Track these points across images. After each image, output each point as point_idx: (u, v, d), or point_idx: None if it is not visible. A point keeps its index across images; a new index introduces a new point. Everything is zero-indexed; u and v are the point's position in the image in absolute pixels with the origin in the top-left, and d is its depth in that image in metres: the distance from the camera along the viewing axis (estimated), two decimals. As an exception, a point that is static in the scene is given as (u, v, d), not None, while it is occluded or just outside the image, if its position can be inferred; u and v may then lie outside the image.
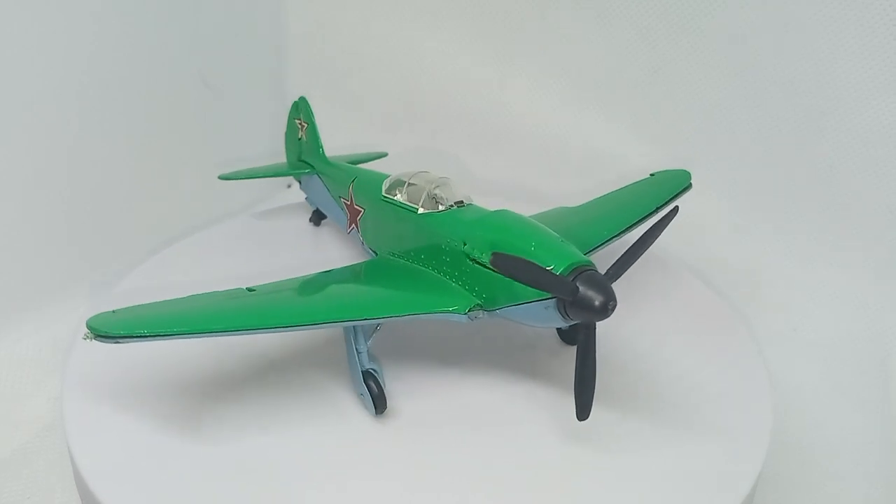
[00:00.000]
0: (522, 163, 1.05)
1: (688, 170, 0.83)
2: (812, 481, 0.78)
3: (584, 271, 0.58)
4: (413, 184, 0.72)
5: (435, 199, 0.69)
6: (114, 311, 0.61)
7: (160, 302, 0.63)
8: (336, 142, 1.03)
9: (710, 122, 0.99)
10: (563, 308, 0.58)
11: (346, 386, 0.68)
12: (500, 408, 0.67)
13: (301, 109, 0.93)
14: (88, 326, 0.58)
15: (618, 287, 0.57)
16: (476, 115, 1.09)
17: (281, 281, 0.68)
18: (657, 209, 0.77)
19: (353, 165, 0.88)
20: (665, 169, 0.85)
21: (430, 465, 0.61)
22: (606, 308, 0.56)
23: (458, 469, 0.61)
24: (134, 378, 0.68)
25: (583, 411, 0.59)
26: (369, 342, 0.66)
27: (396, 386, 0.68)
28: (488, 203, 0.96)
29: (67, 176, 0.88)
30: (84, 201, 0.90)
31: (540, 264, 0.58)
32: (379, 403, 0.65)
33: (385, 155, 1.00)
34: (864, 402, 0.85)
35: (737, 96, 0.96)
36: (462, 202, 0.69)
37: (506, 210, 0.67)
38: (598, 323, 0.58)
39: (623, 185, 0.83)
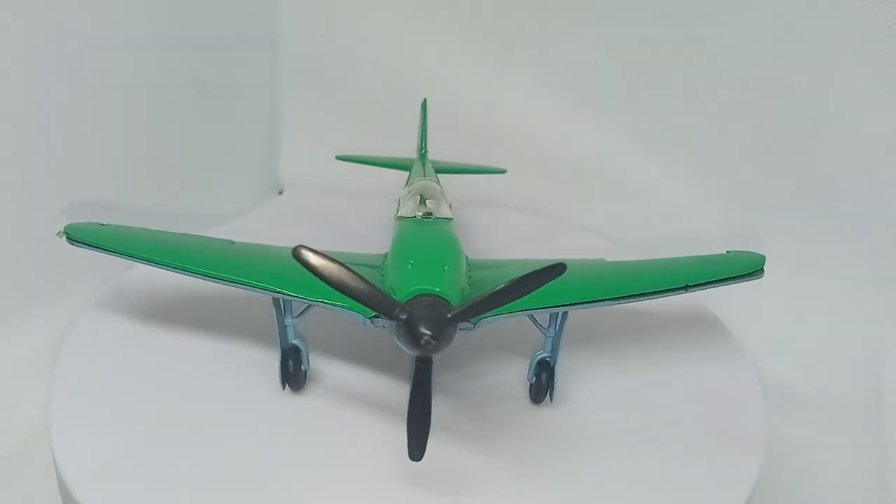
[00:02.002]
0: (519, 167, 1.04)
1: (763, 254, 0.72)
2: (806, 490, 0.78)
3: (423, 300, 0.54)
4: (413, 188, 0.73)
5: (413, 206, 0.70)
6: (102, 224, 0.72)
7: (146, 229, 0.72)
8: (332, 146, 1.03)
9: (707, 129, 0.99)
10: (396, 331, 0.54)
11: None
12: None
13: (423, 110, 0.98)
14: (66, 228, 0.69)
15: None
16: (473, 120, 1.09)
17: (265, 245, 0.70)
18: (688, 287, 0.67)
19: (429, 169, 0.88)
20: (741, 250, 0.74)
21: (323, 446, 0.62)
22: (419, 342, 0.51)
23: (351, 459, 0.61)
24: (120, 387, 0.68)
25: (413, 451, 0.53)
26: (296, 318, 0.67)
27: (323, 367, 0.70)
28: (479, 209, 0.96)
29: (54, 181, 0.87)
30: (70, 210, 0.89)
31: (388, 282, 0.57)
32: (292, 382, 0.67)
33: (504, 171, 0.99)
34: (857, 411, 0.85)
35: (734, 104, 0.96)
36: (430, 214, 0.68)
37: (440, 230, 0.66)
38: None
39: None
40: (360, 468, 0.61)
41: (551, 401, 0.67)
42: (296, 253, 0.51)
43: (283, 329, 0.67)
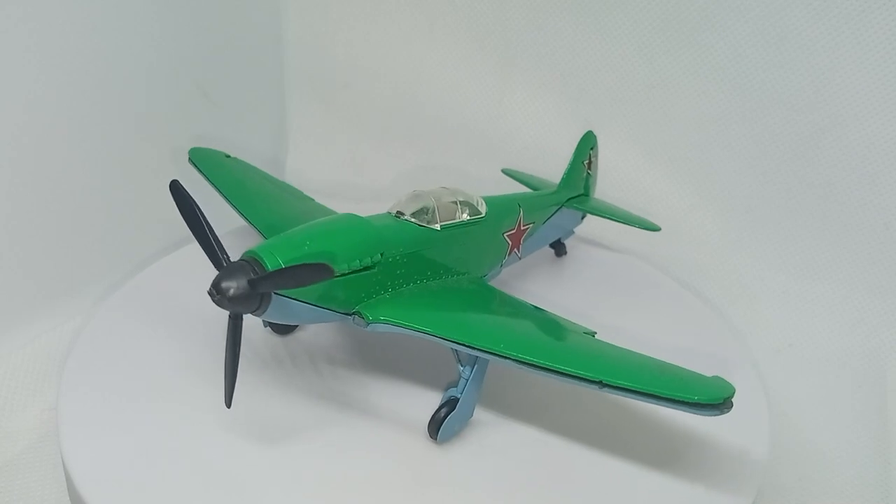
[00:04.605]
0: (518, 170, 1.05)
1: (732, 385, 0.57)
2: (809, 496, 0.78)
3: (243, 261, 0.58)
4: (426, 191, 0.73)
5: (396, 203, 0.70)
6: (227, 156, 0.83)
7: (265, 175, 0.84)
8: (333, 153, 1.02)
9: (707, 136, 0.99)
10: None
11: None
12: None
13: (581, 142, 0.92)
14: (190, 151, 0.82)
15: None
16: (474, 127, 1.09)
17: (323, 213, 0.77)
18: (603, 384, 0.56)
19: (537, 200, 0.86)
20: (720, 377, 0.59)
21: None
22: (212, 291, 0.55)
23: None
24: (129, 390, 0.68)
25: (226, 398, 0.59)
26: None
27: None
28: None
29: (61, 185, 0.88)
30: (78, 213, 0.89)
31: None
32: (276, 327, 0.74)
33: (658, 229, 0.91)
34: (860, 418, 0.85)
35: (734, 111, 0.96)
36: (401, 214, 0.69)
37: (372, 225, 0.65)
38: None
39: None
40: (364, 480, 0.61)
41: (437, 440, 0.64)
42: (171, 184, 0.58)
43: None
